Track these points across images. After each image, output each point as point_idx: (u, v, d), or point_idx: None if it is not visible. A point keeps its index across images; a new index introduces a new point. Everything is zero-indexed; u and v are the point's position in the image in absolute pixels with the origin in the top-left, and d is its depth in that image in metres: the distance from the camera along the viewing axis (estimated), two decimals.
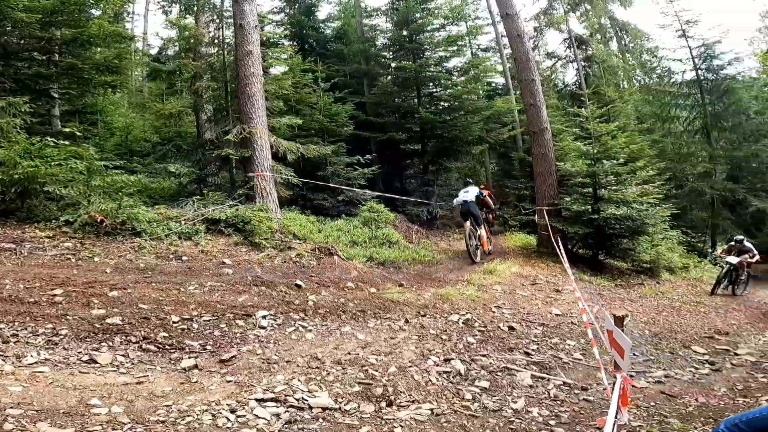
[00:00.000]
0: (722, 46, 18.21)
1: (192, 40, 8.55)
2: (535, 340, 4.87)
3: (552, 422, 3.15)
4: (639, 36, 25.29)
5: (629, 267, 9.57)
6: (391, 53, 13.65)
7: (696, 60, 17.62)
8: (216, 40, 8.74)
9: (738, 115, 15.79)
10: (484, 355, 4.15)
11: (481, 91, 18.14)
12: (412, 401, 3.17)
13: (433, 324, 4.72)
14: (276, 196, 6.84)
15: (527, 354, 4.44)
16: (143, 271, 4.53)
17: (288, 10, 14.34)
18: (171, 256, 4.90)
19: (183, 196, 6.98)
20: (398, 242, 7.94)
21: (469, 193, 8.47)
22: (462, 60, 15.16)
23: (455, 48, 14.23)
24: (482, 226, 8.54)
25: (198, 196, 6.64)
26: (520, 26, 10.55)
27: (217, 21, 8.69)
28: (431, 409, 3.07)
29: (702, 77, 17.21)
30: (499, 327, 5.06)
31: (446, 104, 12.95)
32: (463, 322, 4.96)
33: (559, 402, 3.53)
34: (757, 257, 9.66)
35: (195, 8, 9.29)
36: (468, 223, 8.13)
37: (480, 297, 6.02)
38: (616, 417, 2.35)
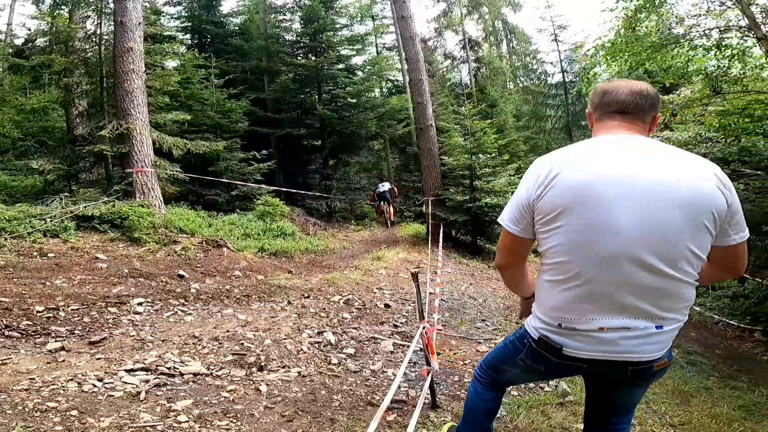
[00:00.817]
0: (584, 49, 20.78)
1: (63, 34, 7.95)
2: (406, 315, 5.42)
3: (401, 379, 3.66)
4: (524, 39, 28.18)
5: None
6: (293, 50, 13.79)
7: (563, 63, 20.18)
8: (93, 36, 8.23)
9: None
10: (355, 328, 4.64)
11: (384, 88, 19.04)
12: (283, 366, 3.53)
13: (315, 304, 5.13)
14: (159, 191, 6.73)
15: (395, 326, 4.99)
16: (3, 269, 4.29)
17: (186, 4, 13.76)
18: (35, 253, 4.67)
19: (49, 194, 6.53)
20: (293, 234, 8.22)
21: (385, 186, 13.13)
22: (364, 58, 15.83)
23: (360, 46, 14.83)
24: (391, 204, 13.16)
25: (66, 193, 6.28)
26: (413, 28, 11.35)
27: (95, 17, 8.18)
28: (299, 372, 3.45)
29: (566, 79, 19.81)
30: (376, 305, 5.62)
31: (345, 101, 13.47)
32: (344, 302, 5.44)
33: (411, 364, 4.05)
34: None
35: (70, 2, 8.60)
36: (383, 203, 12.97)
37: (364, 280, 6.57)
38: (428, 365, 2.81)
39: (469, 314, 6.06)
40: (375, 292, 6.19)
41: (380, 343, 4.45)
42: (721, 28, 6.32)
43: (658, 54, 6.59)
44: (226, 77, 10.76)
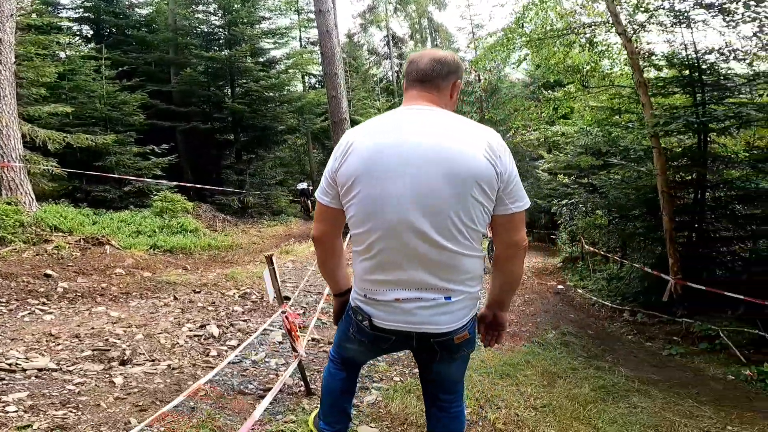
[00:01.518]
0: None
1: None
2: (305, 306, 5.34)
3: (282, 368, 3.54)
4: (447, 38, 29.23)
5: None
6: (206, 43, 13.15)
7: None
8: None
9: (502, 109, 19.57)
10: (245, 321, 4.53)
11: (306, 83, 18.79)
12: (152, 360, 3.38)
13: (205, 299, 4.97)
14: (30, 188, 6.11)
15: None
16: None
17: None
18: None
19: None
20: (196, 230, 7.88)
21: (303, 185, 14.47)
22: (285, 51, 15.49)
23: (284, 40, 14.50)
24: (309, 199, 13.72)
25: None
26: (330, 23, 11.26)
27: None
28: (169, 365, 3.32)
29: (481, 76, 20.86)
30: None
31: (260, 95, 13.11)
32: (240, 296, 5.31)
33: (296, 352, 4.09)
34: None
35: None
36: (303, 197, 14.02)
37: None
38: (295, 351, 2.77)
39: None
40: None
41: (269, 334, 4.41)
42: (589, 24, 6.86)
43: (537, 50, 7.09)
44: (121, 69, 10.03)
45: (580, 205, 9.59)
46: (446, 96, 1.48)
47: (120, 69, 9.84)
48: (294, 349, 2.86)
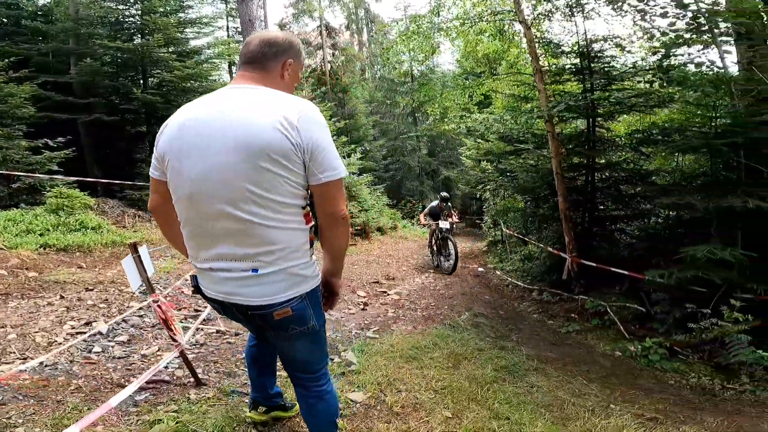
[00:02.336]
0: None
1: None
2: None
3: (176, 360, 3.46)
4: (383, 28, 29.17)
5: (351, 231, 11.28)
6: (114, 32, 12.13)
7: (411, 52, 21.60)
8: None
9: (432, 101, 20.14)
10: (140, 317, 4.30)
11: (231, 72, 18.01)
12: (23, 358, 3.11)
13: (97, 296, 4.63)
14: None
15: (196, 311, 4.77)
16: None
17: None
18: None
19: None
20: (99, 227, 7.30)
21: None
22: (207, 41, 14.73)
23: (211, 29, 13.84)
24: None
25: None
26: (254, 12, 10.78)
27: None
28: (41, 362, 3.07)
29: (413, 68, 21.22)
30: (183, 291, 5.30)
31: (177, 85, 12.32)
32: (140, 292, 5.01)
33: (198, 345, 3.88)
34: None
35: None
36: None
37: (178, 268, 6.17)
38: (174, 341, 2.70)
39: None
40: (188, 279, 5.84)
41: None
42: (497, 12, 7.15)
43: (451, 39, 7.31)
44: (9, 60, 9.00)
45: (501, 190, 10.08)
46: (276, 76, 1.50)
47: (7, 60, 8.84)
48: (172, 339, 2.75)
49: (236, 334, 4.17)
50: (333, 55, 22.82)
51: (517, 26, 7.34)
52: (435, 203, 8.90)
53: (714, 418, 3.26)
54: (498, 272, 8.67)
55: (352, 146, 12.87)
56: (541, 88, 6.18)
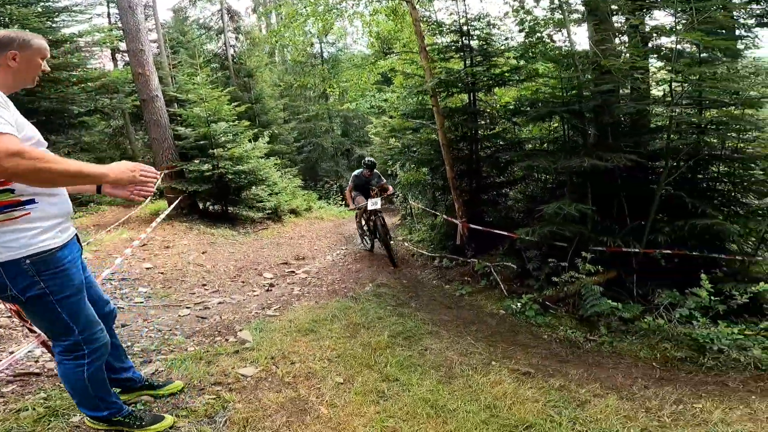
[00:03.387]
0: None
1: None
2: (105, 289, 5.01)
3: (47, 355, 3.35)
4: (292, 14, 28.07)
5: (262, 215, 11.08)
6: None
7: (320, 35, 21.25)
8: None
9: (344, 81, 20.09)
10: (8, 317, 4.01)
11: (115, 60, 16.45)
12: None
13: None
14: None
15: None
16: None
17: None
18: None
19: None
20: None
21: None
22: (82, 28, 13.30)
23: (87, 17, 12.53)
24: None
25: None
26: None
27: None
28: None
29: (323, 49, 20.91)
30: None
31: (44, 75, 10.94)
32: None
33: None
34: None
35: None
36: None
37: None
38: (33, 332, 2.60)
39: (188, 282, 5.98)
40: None
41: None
42: None
43: (321, 21, 7.38)
44: None
45: (407, 164, 10.44)
46: (3, 64, 1.70)
47: None
48: (31, 331, 2.66)
49: (124, 325, 4.06)
50: (237, 39, 21.74)
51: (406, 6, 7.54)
52: (359, 171, 7.72)
53: (576, 370, 3.63)
54: (406, 244, 9.06)
55: (257, 129, 12.52)
56: (426, 65, 6.48)
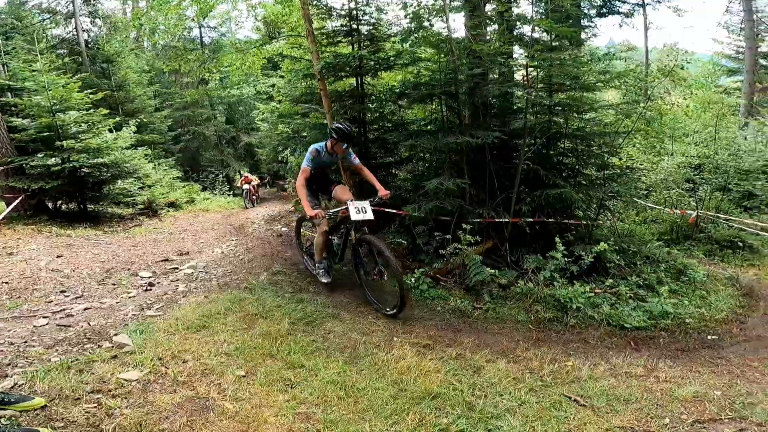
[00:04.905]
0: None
1: None
2: None
3: None
4: None
5: (132, 211, 9.90)
6: None
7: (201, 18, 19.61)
8: None
9: (226, 66, 18.93)
10: None
11: None
12: None
13: None
14: None
15: None
16: None
17: None
18: None
19: None
20: None
21: None
22: None
23: None
24: None
25: None
26: None
27: None
28: None
29: (203, 34, 19.29)
30: None
31: None
32: None
33: None
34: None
35: None
36: None
37: None
38: None
39: (42, 290, 5.14)
40: None
41: None
42: None
43: (198, 3, 6.92)
44: None
45: (299, 150, 10.19)
46: None
47: None
48: None
49: None
50: (92, 23, 19.04)
51: None
52: (320, 146, 4.72)
53: (469, 338, 3.89)
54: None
55: (121, 118, 11.12)
56: (313, 49, 6.37)
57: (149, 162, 10.62)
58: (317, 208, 4.68)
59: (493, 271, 4.90)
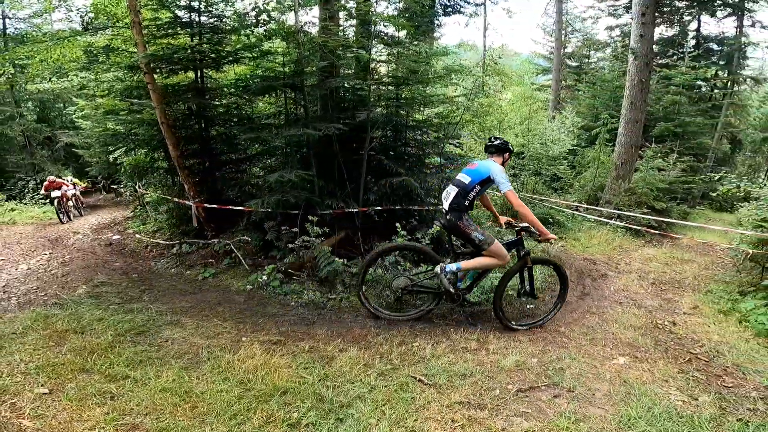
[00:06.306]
0: None
1: None
2: None
3: None
4: None
5: None
6: None
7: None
8: None
9: (25, 59, 15.91)
10: None
11: None
12: None
13: None
14: None
15: None
16: None
17: None
18: None
19: None
20: None
21: None
22: None
23: None
24: None
25: None
26: None
27: None
28: None
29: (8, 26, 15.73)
30: None
31: None
32: None
33: None
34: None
35: None
36: None
37: None
38: None
39: None
40: None
41: None
42: None
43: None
44: None
45: (135, 149, 9.00)
46: None
47: None
48: None
49: None
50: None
51: None
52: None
53: (322, 330, 3.91)
54: (138, 235, 7.88)
55: None
56: (139, 40, 5.74)
57: None
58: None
59: (343, 260, 4.98)
